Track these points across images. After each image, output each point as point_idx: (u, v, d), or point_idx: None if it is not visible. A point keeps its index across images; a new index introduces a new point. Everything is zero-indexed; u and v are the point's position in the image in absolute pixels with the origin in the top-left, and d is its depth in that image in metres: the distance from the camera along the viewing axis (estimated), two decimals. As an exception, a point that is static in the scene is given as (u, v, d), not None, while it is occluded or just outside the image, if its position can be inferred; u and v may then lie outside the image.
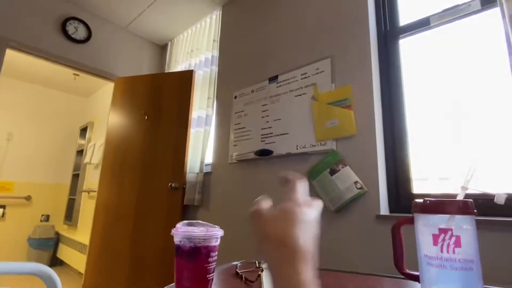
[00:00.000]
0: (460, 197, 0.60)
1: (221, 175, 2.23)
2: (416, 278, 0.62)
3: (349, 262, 1.44)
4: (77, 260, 3.23)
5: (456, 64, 1.42)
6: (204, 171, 2.37)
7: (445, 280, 0.55)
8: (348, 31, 1.68)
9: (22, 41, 2.38)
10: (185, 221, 0.51)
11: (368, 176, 1.45)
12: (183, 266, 0.48)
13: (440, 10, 1.46)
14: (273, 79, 1.98)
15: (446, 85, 1.44)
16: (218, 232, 0.50)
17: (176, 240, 0.49)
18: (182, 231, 0.48)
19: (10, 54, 2.92)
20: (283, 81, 1.92)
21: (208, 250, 0.48)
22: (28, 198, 3.92)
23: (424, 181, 1.47)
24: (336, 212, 1.52)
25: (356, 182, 1.47)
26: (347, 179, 1.49)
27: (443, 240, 0.56)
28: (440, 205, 0.57)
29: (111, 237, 2.44)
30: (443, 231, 0.56)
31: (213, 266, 0.49)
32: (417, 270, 0.62)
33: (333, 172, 1.55)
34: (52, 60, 2.57)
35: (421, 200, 0.60)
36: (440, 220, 0.57)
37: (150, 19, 2.92)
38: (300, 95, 1.79)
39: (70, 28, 2.66)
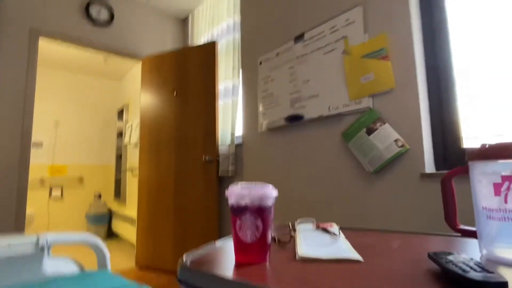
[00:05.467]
0: (529, 139, 0.50)
1: (253, 145, 2.21)
2: (473, 234, 0.54)
3: (391, 223, 1.37)
4: (129, 232, 3.51)
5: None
6: (236, 143, 2.36)
7: (510, 234, 0.47)
8: (381, -29, 1.47)
9: (51, 30, 2.46)
10: (240, 183, 0.53)
11: (410, 132, 1.33)
12: (240, 224, 0.50)
13: None
14: (299, 38, 1.85)
15: (503, 26, 1.22)
16: (272, 191, 0.52)
17: (231, 201, 0.51)
18: (235, 192, 0.50)
19: (45, 45, 3.07)
20: (309, 38, 1.78)
21: (261, 208, 0.50)
22: (81, 179, 4.28)
23: (474, 139, 1.30)
24: (374, 173, 1.43)
25: (396, 140, 1.35)
26: (387, 137, 1.38)
27: (508, 189, 0.47)
28: (503, 149, 0.47)
29: (155, 210, 2.59)
30: (507, 178, 0.47)
31: (269, 222, 0.51)
32: (472, 226, 0.55)
33: (370, 131, 1.44)
34: (81, 44, 2.64)
35: (478, 146, 0.51)
36: (502, 167, 0.48)
37: (168, -8, 2.85)
38: (330, 51, 1.65)
39: (93, 11, 2.69)
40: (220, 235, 2.37)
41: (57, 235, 0.95)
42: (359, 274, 0.42)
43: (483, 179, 0.49)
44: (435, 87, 1.35)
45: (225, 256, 0.55)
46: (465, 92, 1.30)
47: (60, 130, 4.20)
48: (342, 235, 0.63)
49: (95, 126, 4.53)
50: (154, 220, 2.58)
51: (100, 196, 4.46)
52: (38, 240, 0.89)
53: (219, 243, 0.62)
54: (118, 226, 3.93)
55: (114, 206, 4.25)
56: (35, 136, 3.89)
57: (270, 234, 0.51)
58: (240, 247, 0.51)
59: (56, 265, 0.97)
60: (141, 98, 2.83)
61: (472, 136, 1.28)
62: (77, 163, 4.30)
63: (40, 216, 3.90)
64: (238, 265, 0.48)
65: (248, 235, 0.49)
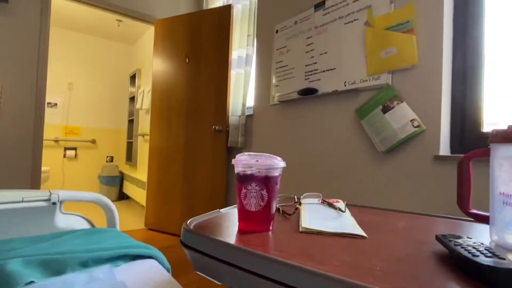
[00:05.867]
0: (562, 123, 0.46)
1: (263, 117, 2.18)
2: (485, 219, 0.52)
3: (399, 205, 1.36)
4: (139, 195, 3.64)
5: None
6: (246, 114, 2.34)
7: (525, 223, 0.45)
8: None
9: (64, -14, 2.40)
10: (247, 153, 0.52)
11: (428, 113, 1.27)
12: (245, 193, 0.50)
13: None
14: (320, 5, 1.74)
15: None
16: (279, 162, 0.51)
17: (237, 169, 0.51)
18: (242, 161, 0.50)
19: (57, 3, 3.01)
20: (331, 6, 1.67)
21: (268, 178, 0.49)
22: (94, 141, 4.38)
23: (494, 125, 1.23)
24: (386, 153, 1.40)
25: (413, 120, 1.30)
26: (403, 117, 1.33)
27: (531, 175, 0.44)
28: (533, 132, 0.44)
29: (165, 175, 2.65)
30: (532, 164, 0.44)
31: (274, 193, 0.50)
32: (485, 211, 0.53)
33: (386, 109, 1.39)
34: (93, 4, 2.57)
35: (503, 128, 0.47)
36: (529, 152, 0.45)
37: (185, -50, 2.70)
38: (352, 21, 1.55)
39: (107, -32, 2.58)
40: (227, 204, 2.42)
41: (68, 193, 0.98)
42: (362, 249, 0.41)
43: (504, 163, 0.47)
44: (460, 67, 1.27)
45: (229, 223, 0.55)
46: (493, 75, 1.21)
47: (73, 92, 4.24)
48: (347, 211, 0.62)
49: (107, 90, 4.55)
50: (164, 185, 2.65)
51: (112, 159, 4.59)
52: (50, 195, 0.92)
53: (224, 210, 0.63)
54: (129, 189, 4.06)
55: (126, 169, 4.37)
56: (50, 97, 3.94)
57: (274, 205, 0.50)
58: (244, 215, 0.50)
59: (67, 220, 1.01)
60: (153, 64, 2.79)
61: (493, 122, 1.22)
62: (91, 126, 4.38)
63: (55, 175, 4.05)
64: (241, 233, 0.48)
65: (252, 204, 0.49)
